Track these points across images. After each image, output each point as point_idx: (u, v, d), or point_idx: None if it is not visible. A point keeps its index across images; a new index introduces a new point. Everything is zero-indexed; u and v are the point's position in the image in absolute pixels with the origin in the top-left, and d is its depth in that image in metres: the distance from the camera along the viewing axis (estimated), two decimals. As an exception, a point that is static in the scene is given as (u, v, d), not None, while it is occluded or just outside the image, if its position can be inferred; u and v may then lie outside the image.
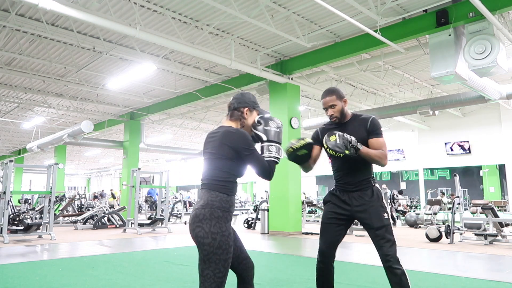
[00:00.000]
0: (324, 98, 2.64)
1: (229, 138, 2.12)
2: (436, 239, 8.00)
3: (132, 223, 10.49)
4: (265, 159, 2.15)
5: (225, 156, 2.10)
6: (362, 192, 2.57)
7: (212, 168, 2.13)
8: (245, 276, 2.23)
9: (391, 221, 2.54)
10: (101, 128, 17.25)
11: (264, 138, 2.22)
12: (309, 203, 13.54)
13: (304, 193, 14.73)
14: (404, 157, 19.08)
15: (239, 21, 8.06)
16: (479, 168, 18.18)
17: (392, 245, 2.43)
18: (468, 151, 16.77)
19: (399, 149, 19.20)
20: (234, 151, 2.09)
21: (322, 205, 2.77)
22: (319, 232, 2.68)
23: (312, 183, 24.67)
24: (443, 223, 11.12)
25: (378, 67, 11.12)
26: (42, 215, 9.63)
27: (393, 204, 13.15)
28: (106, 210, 12.72)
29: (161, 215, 11.32)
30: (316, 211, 16.10)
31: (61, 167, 19.69)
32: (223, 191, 2.08)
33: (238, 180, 2.19)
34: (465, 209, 13.02)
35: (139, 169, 11.03)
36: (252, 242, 8.40)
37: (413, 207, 16.65)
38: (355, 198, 2.58)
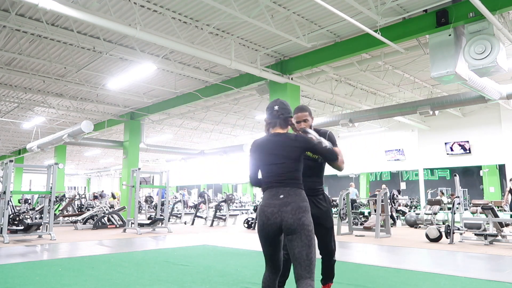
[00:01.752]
0: (300, 113, 3.14)
1: (301, 141, 2.53)
2: (436, 239, 8.00)
3: (132, 223, 10.49)
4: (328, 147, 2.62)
5: (298, 159, 2.51)
6: (318, 197, 3.09)
7: (293, 169, 2.48)
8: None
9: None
10: (101, 128, 17.24)
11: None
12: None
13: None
14: (404, 157, 19.07)
15: (239, 21, 8.06)
16: (479, 168, 18.17)
17: (335, 243, 3.22)
18: (468, 151, 16.76)
19: (399, 149, 19.19)
20: (302, 153, 2.53)
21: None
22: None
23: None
24: (443, 223, 11.13)
25: (378, 67, 11.12)
26: (42, 215, 9.63)
27: (393, 204, 13.14)
28: (106, 210, 12.72)
29: (161, 215, 11.33)
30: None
31: (61, 167, 19.68)
32: (303, 188, 2.51)
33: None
34: (465, 209, 13.01)
35: (139, 169, 11.03)
36: (252, 242, 8.40)
37: (413, 207, 16.64)
38: (314, 202, 3.03)
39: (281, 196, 2.40)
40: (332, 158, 2.64)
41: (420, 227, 11.40)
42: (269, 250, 2.46)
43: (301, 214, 2.35)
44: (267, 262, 2.49)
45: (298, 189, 2.46)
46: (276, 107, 2.63)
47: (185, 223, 13.77)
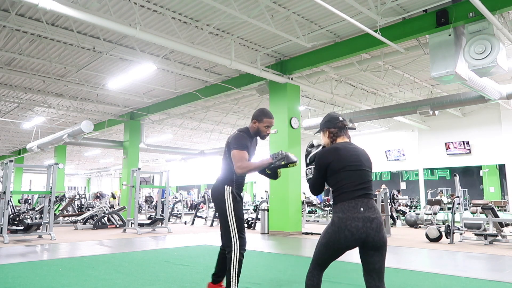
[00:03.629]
0: (273, 119, 3.28)
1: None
2: (436, 239, 8.00)
3: (132, 223, 10.49)
4: None
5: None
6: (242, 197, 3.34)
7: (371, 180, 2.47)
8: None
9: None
10: (101, 128, 17.25)
11: None
12: (309, 203, 13.54)
13: (304, 193, 14.72)
14: (404, 156, 19.07)
15: (239, 21, 8.06)
16: (479, 168, 18.18)
17: (232, 235, 3.16)
18: (468, 151, 16.76)
19: (399, 149, 19.19)
20: None
21: (232, 200, 3.15)
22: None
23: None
24: (443, 223, 11.12)
25: (378, 67, 11.12)
26: (42, 215, 9.63)
27: (393, 204, 13.13)
28: (106, 210, 12.72)
29: (161, 215, 11.33)
30: (316, 211, 16.09)
31: (61, 167, 19.70)
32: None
33: None
34: (465, 209, 13.02)
35: (139, 169, 11.03)
36: (252, 242, 8.40)
37: (413, 207, 16.64)
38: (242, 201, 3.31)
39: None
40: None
41: (420, 227, 11.40)
42: (334, 258, 2.41)
43: (383, 232, 2.39)
44: (323, 265, 2.41)
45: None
46: (343, 120, 2.63)
47: (185, 223, 13.77)
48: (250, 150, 3.24)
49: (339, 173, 2.37)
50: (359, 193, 2.32)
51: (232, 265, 3.02)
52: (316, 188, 2.51)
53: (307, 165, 2.58)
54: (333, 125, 2.55)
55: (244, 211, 20.12)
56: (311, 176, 2.51)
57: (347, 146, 2.48)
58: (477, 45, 6.66)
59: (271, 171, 3.13)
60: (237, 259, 3.02)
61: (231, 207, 3.11)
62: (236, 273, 3.01)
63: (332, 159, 2.40)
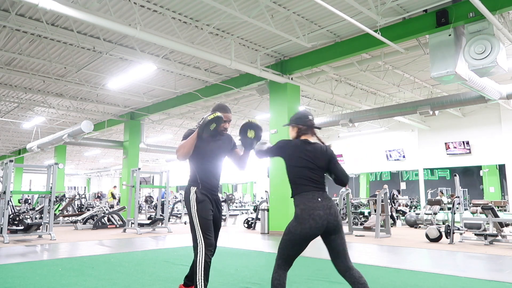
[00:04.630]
0: (229, 113, 3.25)
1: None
2: (436, 239, 8.00)
3: (132, 223, 10.49)
4: None
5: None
6: (218, 197, 3.25)
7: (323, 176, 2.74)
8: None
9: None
10: (101, 128, 17.25)
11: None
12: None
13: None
14: (404, 157, 19.07)
15: (239, 21, 8.06)
16: (479, 168, 18.18)
17: (198, 238, 3.08)
18: (468, 151, 16.76)
19: (399, 149, 19.19)
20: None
21: (195, 201, 3.09)
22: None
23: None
24: (443, 223, 11.12)
25: (378, 67, 11.12)
26: (42, 215, 9.63)
27: (393, 204, 13.14)
28: (106, 210, 12.72)
29: (161, 215, 11.32)
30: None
31: (61, 167, 19.62)
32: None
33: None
34: (465, 209, 13.01)
35: (139, 169, 11.02)
36: (252, 242, 8.40)
37: (413, 207, 16.64)
38: (216, 201, 3.21)
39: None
40: None
41: (420, 227, 11.40)
42: (300, 251, 2.59)
43: (339, 217, 2.67)
44: (289, 262, 2.60)
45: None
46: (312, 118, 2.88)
47: (185, 223, 13.76)
48: (208, 145, 3.13)
49: (292, 167, 2.68)
50: (314, 186, 2.61)
51: (197, 267, 2.92)
52: (261, 155, 2.88)
53: (249, 140, 2.98)
54: (303, 123, 2.79)
55: (244, 211, 20.23)
56: (260, 147, 2.87)
57: (305, 145, 2.72)
58: (477, 45, 6.66)
59: (207, 133, 3.02)
60: (203, 260, 2.94)
61: (194, 208, 3.07)
62: (202, 275, 2.91)
63: (286, 152, 2.72)
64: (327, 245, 2.61)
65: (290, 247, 2.55)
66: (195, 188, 3.13)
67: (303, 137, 2.78)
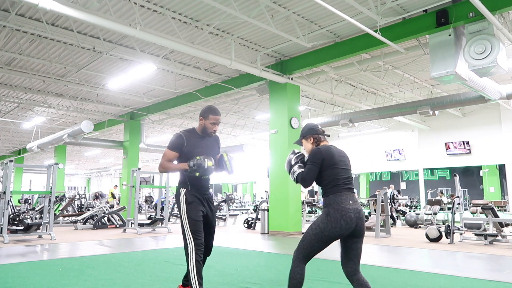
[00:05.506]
0: (219, 116, 3.43)
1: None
2: (436, 239, 8.00)
3: (132, 223, 10.49)
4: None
5: None
6: (209, 196, 3.32)
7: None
8: None
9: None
10: (101, 128, 17.24)
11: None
12: (309, 203, 13.52)
13: (304, 192, 14.71)
14: (404, 157, 19.08)
15: (239, 21, 8.06)
16: (479, 168, 18.18)
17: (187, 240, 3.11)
18: (468, 151, 16.76)
19: (399, 149, 19.19)
20: None
21: (185, 202, 3.15)
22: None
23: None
24: (443, 223, 11.13)
25: (378, 67, 11.12)
26: (42, 215, 9.63)
27: (393, 204, 13.13)
28: (106, 210, 12.72)
29: (161, 215, 11.32)
30: (316, 211, 16.08)
31: (61, 167, 19.69)
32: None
33: None
34: (465, 209, 13.02)
35: (139, 169, 11.02)
36: (252, 242, 8.40)
37: (413, 207, 16.64)
38: (207, 200, 3.26)
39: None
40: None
41: (420, 227, 11.40)
42: (322, 249, 2.69)
43: (364, 221, 2.77)
44: (309, 257, 2.70)
45: None
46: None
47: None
48: (196, 148, 3.24)
49: (331, 169, 2.71)
50: (346, 187, 2.69)
51: (190, 266, 3.00)
52: (309, 179, 2.74)
53: (291, 167, 2.83)
54: (316, 132, 2.90)
55: (244, 211, 20.23)
56: (300, 170, 2.78)
57: (334, 147, 2.84)
58: (477, 45, 6.66)
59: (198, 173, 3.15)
60: (194, 260, 3.00)
61: (184, 209, 3.13)
62: (195, 273, 2.98)
63: (326, 155, 2.72)
64: (345, 246, 2.69)
65: (315, 243, 2.64)
66: (185, 189, 3.20)
67: (322, 144, 2.88)
